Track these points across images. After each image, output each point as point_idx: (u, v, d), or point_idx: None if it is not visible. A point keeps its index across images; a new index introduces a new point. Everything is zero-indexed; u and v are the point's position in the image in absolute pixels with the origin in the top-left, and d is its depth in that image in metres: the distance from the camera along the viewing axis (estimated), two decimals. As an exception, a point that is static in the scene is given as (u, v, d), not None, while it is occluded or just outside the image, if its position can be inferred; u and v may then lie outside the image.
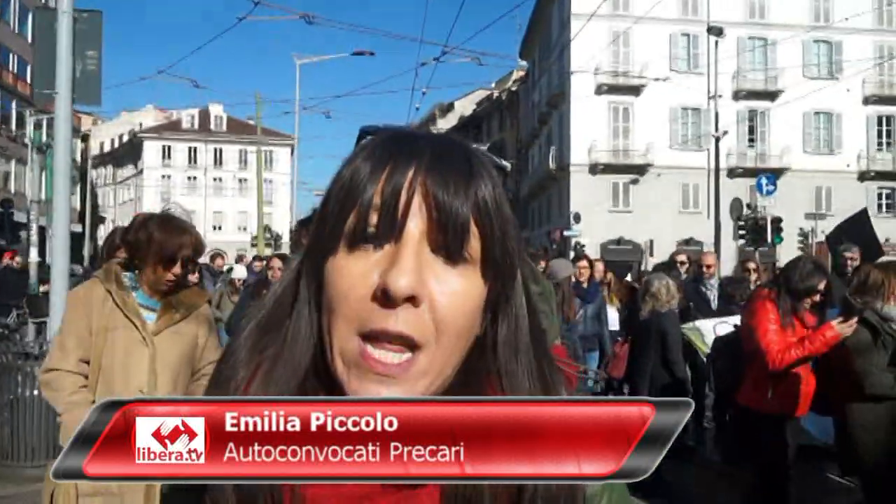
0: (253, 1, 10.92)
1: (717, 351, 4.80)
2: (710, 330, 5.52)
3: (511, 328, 0.69)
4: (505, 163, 0.78)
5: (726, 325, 5.25)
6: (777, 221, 19.02)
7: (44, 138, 23.85)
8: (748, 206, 20.65)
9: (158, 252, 2.53)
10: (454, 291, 0.64)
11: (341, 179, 0.66)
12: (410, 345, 0.63)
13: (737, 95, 33.71)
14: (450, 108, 62.19)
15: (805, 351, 3.59)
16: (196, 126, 62.09)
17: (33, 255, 18.42)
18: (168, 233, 2.57)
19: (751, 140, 34.68)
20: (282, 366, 0.67)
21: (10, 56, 36.44)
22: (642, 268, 18.32)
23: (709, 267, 7.25)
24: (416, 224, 0.63)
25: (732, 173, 32.80)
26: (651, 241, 31.02)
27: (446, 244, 0.63)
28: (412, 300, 0.62)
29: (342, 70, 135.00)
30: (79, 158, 46.93)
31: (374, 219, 0.63)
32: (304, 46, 50.42)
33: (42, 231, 19.70)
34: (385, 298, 0.61)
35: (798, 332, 3.72)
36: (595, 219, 31.69)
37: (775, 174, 25.88)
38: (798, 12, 33.64)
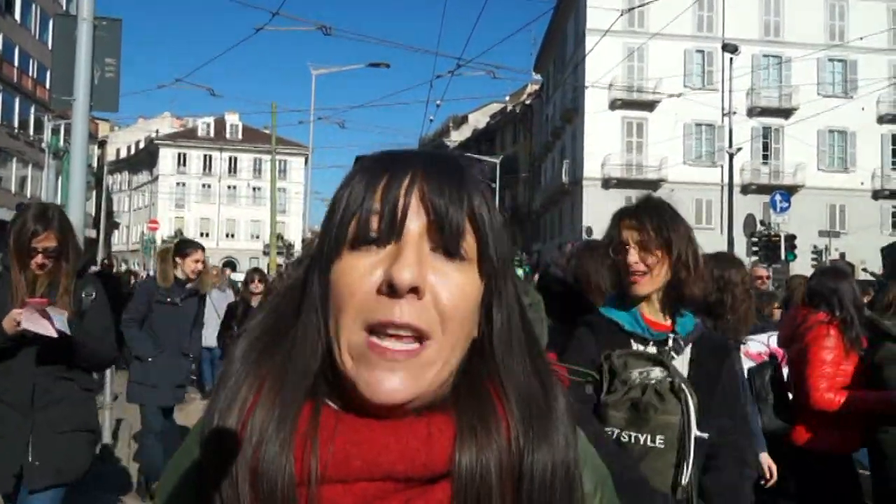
0: (270, 12, 11.02)
1: (755, 384, 3.79)
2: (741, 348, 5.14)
3: (504, 323, 0.73)
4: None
5: (756, 343, 4.93)
6: (791, 239, 18.86)
7: (61, 143, 24.13)
8: (762, 222, 20.46)
9: None
10: (455, 283, 0.68)
11: (341, 194, 0.71)
12: (418, 335, 0.66)
13: (751, 112, 33.65)
14: (464, 120, 62.39)
15: (863, 405, 3.28)
16: (211, 134, 62.65)
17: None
18: None
19: (765, 157, 34.57)
20: (291, 372, 0.69)
21: (30, 61, 36.95)
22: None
23: (761, 279, 6.55)
24: (415, 225, 0.67)
25: (746, 190, 32.66)
26: (663, 257, 30.85)
27: (444, 242, 0.68)
28: (416, 291, 0.65)
29: (357, 81, 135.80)
30: (95, 164, 47.44)
31: (374, 223, 0.67)
32: (321, 57, 50.87)
33: (57, 235, 19.87)
34: (390, 291, 0.65)
35: (853, 367, 3.40)
36: (607, 233, 31.55)
37: (789, 191, 25.74)
38: (813, 31, 33.61)
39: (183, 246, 5.37)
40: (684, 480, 1.76)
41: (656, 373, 1.83)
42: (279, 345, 0.72)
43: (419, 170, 0.69)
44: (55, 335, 2.67)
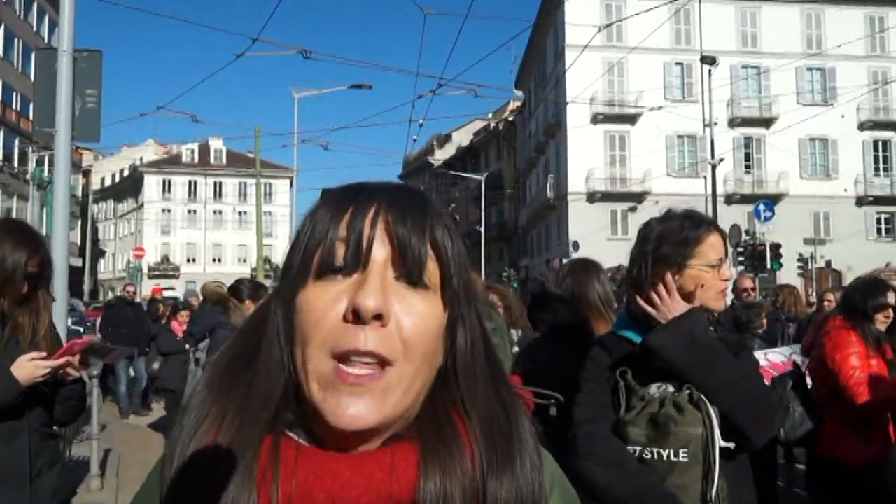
0: (251, 38, 11.07)
1: (777, 392, 3.62)
2: (762, 359, 4.97)
3: (467, 350, 0.74)
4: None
5: (778, 355, 4.64)
6: (776, 247, 19.00)
7: (45, 174, 24.03)
8: (747, 232, 20.64)
9: None
10: (418, 312, 0.68)
11: (306, 224, 0.72)
12: (381, 361, 0.66)
13: (732, 123, 34.02)
14: (447, 138, 62.69)
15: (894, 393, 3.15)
16: (196, 160, 62.51)
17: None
18: None
19: (747, 166, 34.88)
20: (252, 405, 0.69)
21: (14, 94, 36.91)
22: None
23: (746, 292, 6.61)
24: (379, 254, 0.69)
25: (730, 200, 32.95)
26: (651, 269, 30.95)
27: (407, 271, 0.69)
28: (380, 318, 0.66)
29: (340, 103, 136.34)
30: (80, 193, 47.19)
31: (340, 252, 0.68)
32: (303, 80, 50.90)
33: (42, 266, 19.68)
34: (356, 317, 0.66)
35: (880, 366, 3.29)
36: (594, 247, 31.67)
37: (773, 200, 25.97)
38: (790, 40, 34.15)
39: (254, 288, 4.86)
40: (713, 493, 1.70)
41: (675, 386, 1.78)
42: (242, 376, 0.72)
43: (383, 201, 0.71)
44: (87, 380, 2.33)
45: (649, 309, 1.85)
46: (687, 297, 1.88)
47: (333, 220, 0.70)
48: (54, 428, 2.50)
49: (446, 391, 0.73)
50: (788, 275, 21.56)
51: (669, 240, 1.91)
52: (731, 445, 1.72)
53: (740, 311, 6.02)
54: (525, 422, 0.75)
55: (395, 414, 0.68)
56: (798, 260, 23.95)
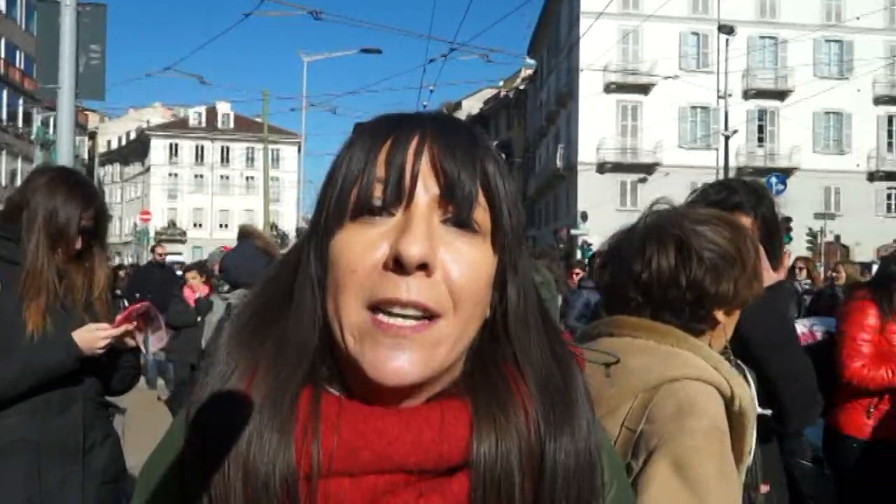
0: (259, -4, 10.79)
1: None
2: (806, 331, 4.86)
3: (521, 298, 0.67)
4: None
5: (799, 326, 4.69)
6: (786, 221, 18.79)
7: (50, 134, 23.90)
8: (757, 205, 20.39)
9: None
10: (467, 259, 0.62)
11: (340, 160, 0.65)
12: (427, 313, 0.60)
13: (746, 94, 33.52)
14: (457, 106, 62.08)
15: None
16: (203, 124, 62.16)
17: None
18: None
19: (760, 139, 34.48)
20: (286, 356, 0.63)
21: (17, 53, 36.60)
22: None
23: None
24: (424, 192, 0.62)
25: (742, 172, 32.52)
26: (659, 241, 30.80)
27: (455, 213, 0.62)
28: (425, 268, 0.59)
29: (349, 67, 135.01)
30: (85, 156, 47.06)
31: (379, 190, 0.62)
32: (311, 43, 50.04)
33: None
34: (397, 267, 0.59)
35: None
36: (602, 218, 31.35)
37: (785, 174, 25.67)
38: (809, 11, 33.40)
39: None
40: (749, 460, 1.65)
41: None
42: (271, 328, 0.65)
43: (428, 131, 0.63)
44: (145, 350, 2.21)
45: None
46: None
47: (372, 151, 0.62)
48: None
49: (496, 345, 0.67)
50: (797, 249, 21.37)
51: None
52: (769, 412, 1.68)
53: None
54: (580, 378, 0.68)
55: (441, 369, 0.62)
56: (807, 234, 23.71)
